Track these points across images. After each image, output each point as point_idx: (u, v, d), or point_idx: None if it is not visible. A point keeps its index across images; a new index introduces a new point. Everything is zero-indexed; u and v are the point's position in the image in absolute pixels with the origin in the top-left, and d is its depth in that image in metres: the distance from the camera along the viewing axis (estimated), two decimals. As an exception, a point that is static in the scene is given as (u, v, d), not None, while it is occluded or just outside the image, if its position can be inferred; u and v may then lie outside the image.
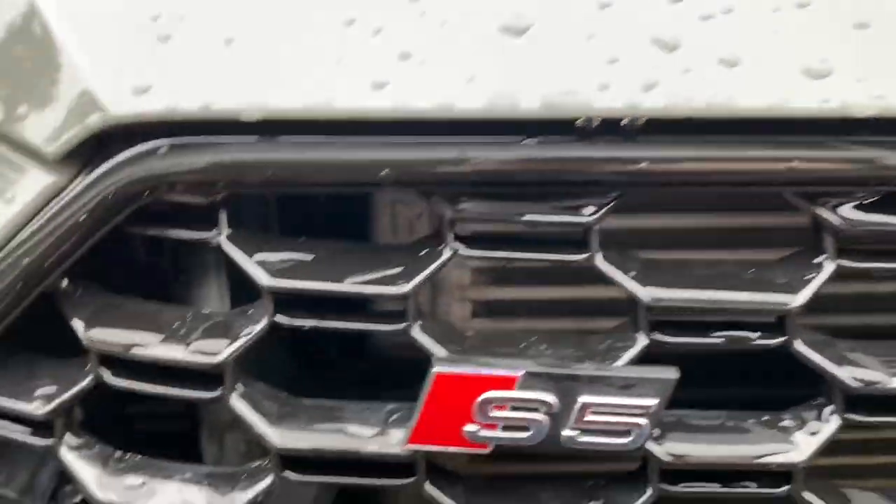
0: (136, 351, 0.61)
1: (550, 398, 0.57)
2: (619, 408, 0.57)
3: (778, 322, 0.61)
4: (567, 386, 0.58)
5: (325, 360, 0.96)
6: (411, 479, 0.61)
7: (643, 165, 0.57)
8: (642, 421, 0.57)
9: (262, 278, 0.60)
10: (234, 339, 0.61)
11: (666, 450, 0.59)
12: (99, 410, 0.76)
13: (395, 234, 0.82)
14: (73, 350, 0.66)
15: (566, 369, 0.57)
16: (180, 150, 0.60)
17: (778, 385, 0.68)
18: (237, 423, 0.65)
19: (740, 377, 0.71)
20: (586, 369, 0.57)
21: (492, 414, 0.58)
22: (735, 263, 0.62)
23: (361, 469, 0.63)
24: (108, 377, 0.63)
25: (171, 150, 0.60)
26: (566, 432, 0.58)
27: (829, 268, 0.60)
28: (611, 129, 0.58)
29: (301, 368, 0.89)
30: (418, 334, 0.61)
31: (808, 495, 0.60)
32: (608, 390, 0.57)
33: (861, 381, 0.59)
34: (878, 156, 0.57)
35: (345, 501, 0.87)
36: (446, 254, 0.61)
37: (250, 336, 0.61)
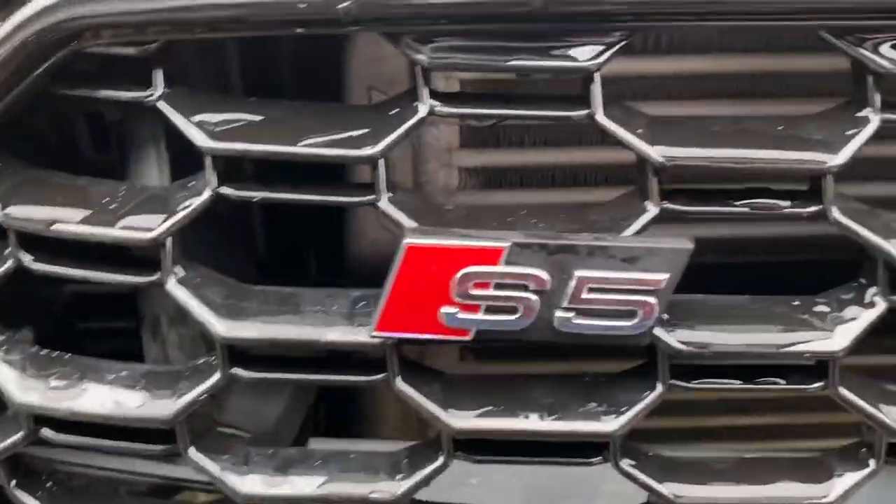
0: (58, 227, 0.52)
1: (542, 273, 0.48)
2: (622, 283, 0.48)
3: (813, 189, 0.52)
4: (561, 259, 0.48)
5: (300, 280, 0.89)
6: (380, 376, 0.52)
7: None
8: (650, 299, 0.48)
9: (202, 140, 0.51)
10: (172, 213, 0.52)
11: (678, 337, 0.50)
12: (46, 328, 0.68)
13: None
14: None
15: (560, 239, 0.49)
16: (102, -11, 0.52)
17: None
18: (179, 316, 0.58)
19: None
20: (583, 238, 0.48)
21: (473, 293, 0.48)
22: (762, 119, 0.53)
23: (325, 364, 0.55)
24: (29, 260, 0.54)
25: (91, -9, 0.52)
26: (560, 314, 0.48)
27: (874, 121, 0.51)
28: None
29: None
30: (387, 207, 0.51)
31: (845, 392, 0.52)
32: (609, 263, 0.48)
33: (911, 254, 0.51)
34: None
35: (327, 424, 0.81)
36: (421, 111, 0.51)
37: (190, 209, 0.52)
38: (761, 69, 0.61)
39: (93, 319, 0.78)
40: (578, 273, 0.48)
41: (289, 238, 0.88)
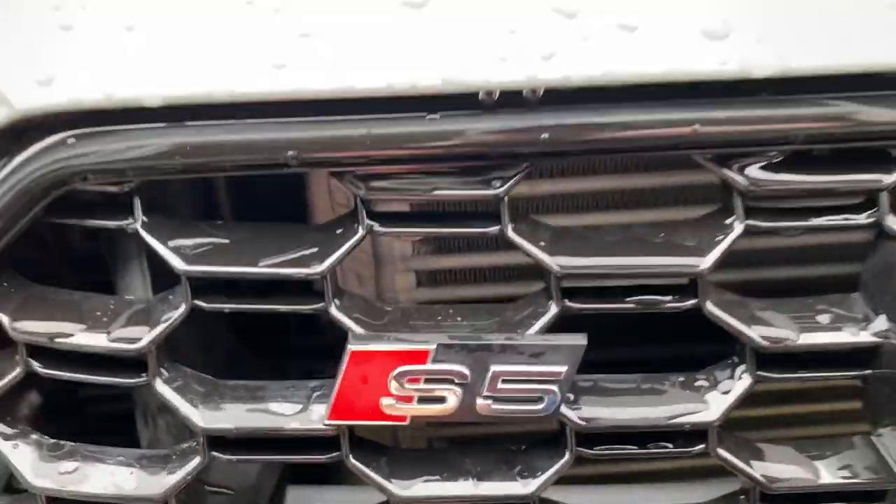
0: (60, 340, 0.62)
1: (463, 369, 0.58)
2: (529, 375, 0.58)
3: (690, 284, 0.62)
4: (478, 356, 0.58)
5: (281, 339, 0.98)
6: (335, 454, 0.62)
7: (545, 136, 0.57)
8: (553, 387, 0.58)
9: (178, 264, 0.61)
10: (155, 325, 0.62)
11: (579, 414, 0.60)
12: (53, 395, 0.77)
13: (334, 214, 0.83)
14: (3, 342, 0.68)
15: (476, 340, 0.58)
16: (87, 139, 0.60)
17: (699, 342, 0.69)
18: (166, 407, 0.67)
19: (661, 336, 0.73)
20: (496, 339, 0.58)
21: (407, 387, 0.59)
22: (645, 228, 0.62)
23: (290, 446, 0.65)
24: (37, 367, 0.64)
25: (78, 140, 0.60)
26: (480, 401, 0.59)
27: (738, 228, 0.60)
28: (513, 100, 0.59)
29: (253, 346, 0.91)
30: (336, 313, 0.62)
31: (722, 452, 0.62)
32: (519, 359, 0.58)
33: (770, 339, 0.60)
34: (780, 115, 0.58)
35: (297, 477, 0.90)
36: (360, 232, 0.61)
37: (170, 322, 0.62)
38: (644, 185, 0.71)
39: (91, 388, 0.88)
40: (494, 367, 0.58)
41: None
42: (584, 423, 0.60)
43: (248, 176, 0.79)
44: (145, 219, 0.62)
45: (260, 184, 0.85)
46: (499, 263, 0.86)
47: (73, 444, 0.65)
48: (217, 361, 0.75)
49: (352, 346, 0.59)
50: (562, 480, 0.63)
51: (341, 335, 0.88)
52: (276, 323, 0.97)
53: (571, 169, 0.79)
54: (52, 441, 0.65)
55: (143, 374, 0.62)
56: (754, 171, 0.60)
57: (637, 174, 0.71)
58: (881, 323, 0.60)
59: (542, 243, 0.61)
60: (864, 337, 0.60)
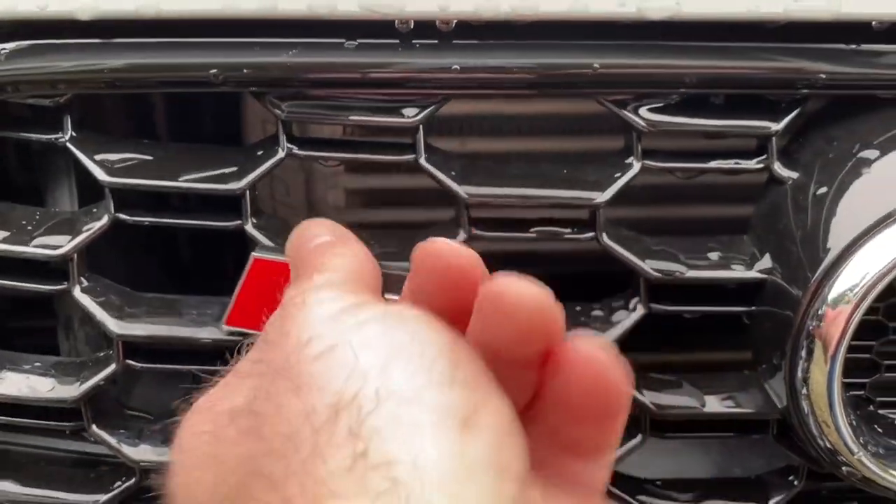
0: (-19, 245, 0.65)
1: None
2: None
3: (590, 219, 0.66)
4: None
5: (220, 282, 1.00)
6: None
7: (455, 69, 0.61)
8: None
9: (101, 175, 0.64)
10: (77, 234, 0.64)
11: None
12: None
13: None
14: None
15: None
16: (21, 52, 0.63)
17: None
18: (86, 318, 0.69)
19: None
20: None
21: (313, 301, 0.62)
22: (550, 163, 0.66)
23: (203, 357, 0.67)
24: (-43, 273, 0.66)
25: (12, 53, 0.63)
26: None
27: (635, 167, 0.64)
28: (428, 32, 0.62)
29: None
30: (251, 230, 0.64)
31: (615, 379, 0.65)
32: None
33: (661, 271, 0.64)
34: (674, 58, 0.62)
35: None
36: (279, 154, 0.64)
37: (92, 231, 0.64)
38: (549, 111, 0.75)
39: (21, 319, 0.89)
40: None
41: (210, 247, 0.99)
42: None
43: (184, 97, 0.84)
44: (74, 133, 0.65)
45: (195, 111, 0.87)
46: (429, 219, 0.90)
47: (-12, 349, 0.67)
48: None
49: (255, 254, 0.62)
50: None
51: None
52: (216, 268, 0.99)
53: (499, 129, 0.83)
54: (-30, 347, 0.68)
55: (64, 282, 0.65)
56: (650, 112, 0.64)
57: (562, 137, 0.74)
58: (766, 261, 0.64)
59: (453, 173, 0.64)
60: (750, 273, 0.64)
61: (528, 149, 0.80)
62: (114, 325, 0.63)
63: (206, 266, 0.99)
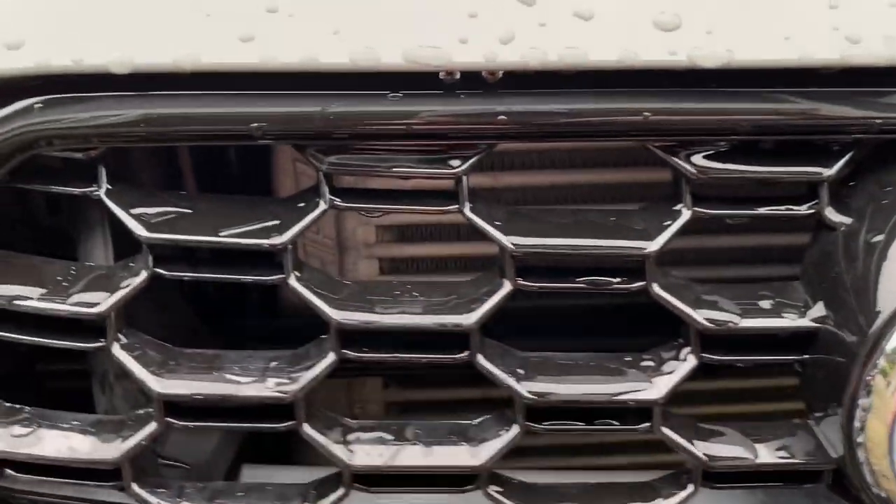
0: (18, 303, 0.63)
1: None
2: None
3: (638, 268, 0.64)
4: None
5: (238, 320, 0.99)
6: (290, 423, 0.63)
7: (503, 117, 0.60)
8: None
9: (140, 231, 0.62)
10: (115, 290, 0.63)
11: (528, 388, 0.62)
12: (8, 370, 0.78)
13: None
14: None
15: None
16: (54, 106, 0.61)
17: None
18: (123, 373, 0.68)
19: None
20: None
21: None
22: (596, 212, 0.64)
23: (245, 414, 0.66)
24: (-6, 330, 0.65)
25: (45, 106, 0.61)
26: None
27: (685, 214, 0.63)
28: (473, 82, 0.61)
29: (212, 327, 0.92)
30: (295, 284, 0.63)
31: (666, 431, 0.63)
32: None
33: (714, 321, 0.62)
34: (726, 105, 0.60)
35: (253, 456, 0.91)
36: (322, 206, 0.63)
37: (130, 288, 0.63)
38: (596, 181, 0.74)
39: (52, 363, 0.88)
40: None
41: (233, 284, 0.98)
42: (532, 396, 0.62)
43: (212, 147, 0.82)
44: (109, 186, 0.64)
45: (224, 164, 0.86)
46: (460, 253, 0.89)
47: (28, 408, 0.66)
48: (176, 340, 0.76)
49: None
50: (515, 453, 0.65)
51: (299, 318, 0.89)
52: (235, 306, 0.98)
53: (531, 162, 0.82)
54: (7, 405, 0.66)
55: (102, 339, 0.64)
56: (701, 159, 0.62)
57: (594, 170, 0.73)
58: (819, 309, 0.63)
59: (498, 223, 0.63)
60: (803, 322, 0.62)
61: (565, 182, 0.79)
62: (155, 384, 0.62)
63: (231, 298, 0.99)
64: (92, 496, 0.74)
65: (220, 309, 1.00)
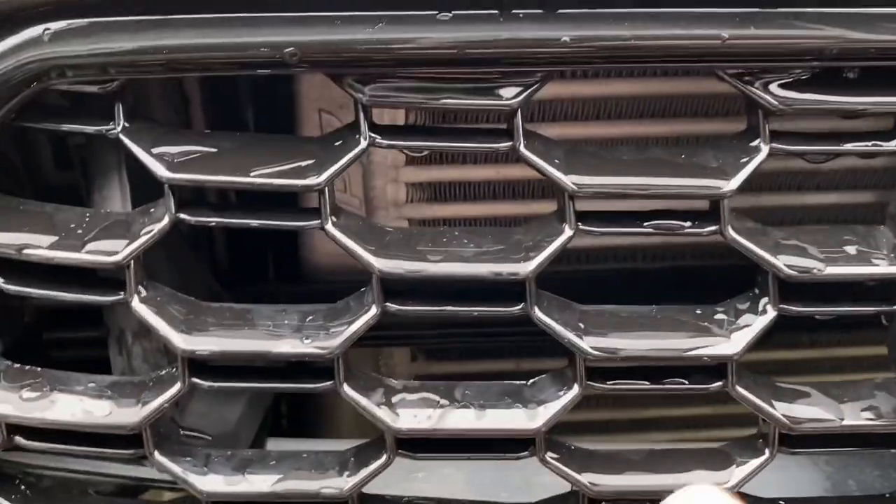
0: (28, 252, 0.57)
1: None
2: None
3: (710, 210, 0.59)
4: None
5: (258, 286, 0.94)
6: (328, 383, 0.57)
7: (566, 39, 0.54)
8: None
9: (162, 171, 0.56)
10: (135, 238, 0.57)
11: (590, 343, 0.56)
12: (13, 339, 0.72)
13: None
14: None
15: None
16: (66, 33, 0.55)
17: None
18: (143, 331, 0.62)
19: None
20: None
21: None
22: (664, 148, 0.59)
23: (277, 374, 0.60)
24: (1, 283, 0.58)
25: (56, 34, 0.55)
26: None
27: (763, 150, 0.57)
28: (531, 1, 0.55)
29: (231, 294, 0.87)
30: (333, 230, 0.57)
31: (741, 390, 0.58)
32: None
33: (796, 268, 0.57)
34: (812, 27, 0.55)
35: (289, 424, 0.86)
36: (362, 144, 0.56)
37: (151, 235, 0.56)
38: (660, 91, 0.68)
39: (60, 330, 0.82)
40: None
41: (249, 246, 0.93)
42: (596, 352, 0.56)
43: (230, 98, 0.76)
44: (127, 124, 0.58)
45: (242, 118, 0.81)
46: (497, 213, 0.83)
47: (39, 369, 0.60)
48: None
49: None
50: (573, 427, 0.60)
51: (324, 283, 0.83)
52: (254, 272, 0.93)
53: (584, 113, 0.76)
54: (16, 366, 0.60)
55: (120, 292, 0.58)
56: (781, 89, 0.57)
57: (655, 80, 0.67)
58: (910, 255, 0.58)
59: (557, 161, 0.57)
60: (893, 268, 0.57)
61: (621, 134, 0.73)
62: (179, 340, 0.56)
63: (246, 263, 0.93)
64: (104, 469, 0.69)
65: (238, 276, 0.95)
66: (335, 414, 0.92)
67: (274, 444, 0.76)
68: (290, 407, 1.01)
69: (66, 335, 0.82)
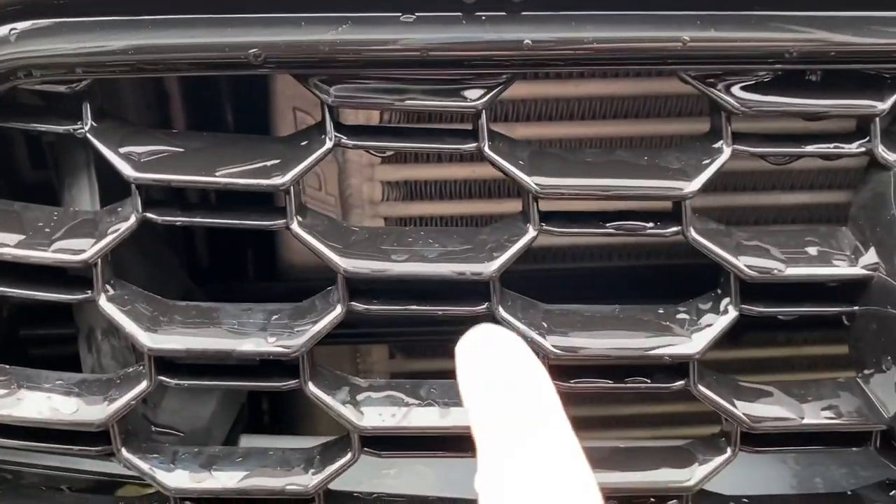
0: (-4, 251, 0.58)
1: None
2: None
3: (673, 211, 0.59)
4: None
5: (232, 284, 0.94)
6: (293, 382, 0.58)
7: (528, 41, 0.54)
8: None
9: (128, 171, 0.56)
10: (101, 237, 0.57)
11: (552, 342, 0.56)
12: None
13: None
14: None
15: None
16: (34, 33, 0.55)
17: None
18: (111, 329, 0.63)
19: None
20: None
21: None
22: (627, 150, 0.59)
23: (244, 372, 0.61)
24: (-33, 282, 0.59)
25: (24, 33, 0.56)
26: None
27: (725, 152, 0.57)
28: (494, 3, 0.55)
29: (205, 291, 0.87)
30: (298, 230, 0.58)
31: (703, 389, 0.58)
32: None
33: (757, 269, 0.57)
34: (771, 31, 0.55)
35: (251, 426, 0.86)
36: (327, 144, 0.57)
37: (118, 233, 0.57)
38: (630, 92, 0.68)
39: (37, 327, 0.83)
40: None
41: (227, 244, 0.93)
42: (557, 350, 0.56)
43: (205, 97, 0.77)
44: (94, 123, 0.58)
45: (219, 116, 0.81)
46: (472, 212, 0.84)
47: (7, 367, 0.60)
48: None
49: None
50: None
51: (299, 282, 0.83)
52: (228, 270, 0.93)
53: (550, 113, 0.77)
54: (-18, 365, 0.61)
55: (88, 291, 0.58)
56: (743, 91, 0.57)
57: (625, 80, 0.67)
58: (871, 256, 0.57)
59: (521, 162, 0.57)
60: (854, 270, 0.57)
61: (587, 134, 0.74)
62: (145, 338, 0.56)
63: (225, 260, 0.93)
64: (78, 465, 0.70)
65: (216, 274, 0.95)
66: (314, 410, 0.93)
67: (247, 441, 0.76)
68: (272, 404, 1.01)
69: (43, 332, 0.82)
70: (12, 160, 0.77)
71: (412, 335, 0.87)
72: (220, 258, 0.92)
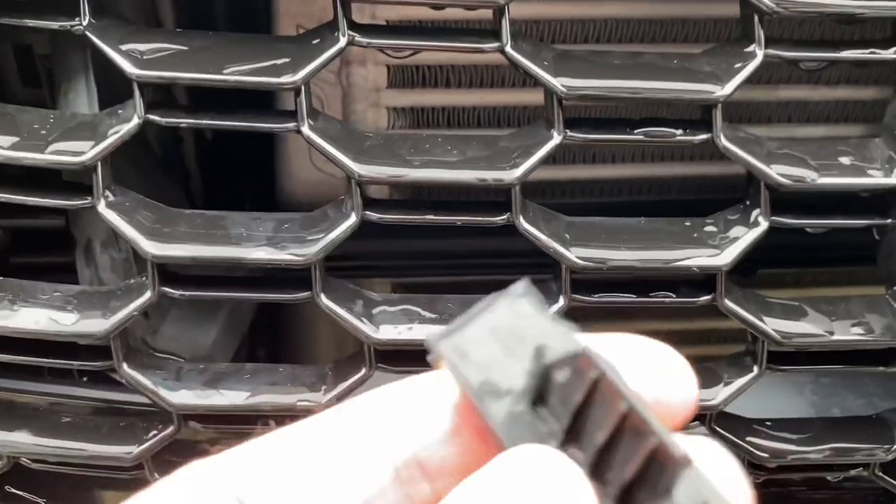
0: (-12, 153, 0.55)
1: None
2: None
3: (702, 119, 0.57)
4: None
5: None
6: (305, 293, 0.55)
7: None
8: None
9: (130, 69, 0.53)
10: (102, 139, 0.54)
11: (577, 254, 0.54)
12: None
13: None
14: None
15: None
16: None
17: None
18: (111, 240, 0.60)
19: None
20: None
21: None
22: (657, 55, 0.57)
23: (252, 284, 0.58)
24: (-42, 186, 0.56)
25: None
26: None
27: (758, 56, 0.55)
28: None
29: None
30: (310, 133, 0.55)
31: (729, 304, 0.56)
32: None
33: (789, 177, 0.55)
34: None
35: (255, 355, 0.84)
36: (341, 41, 0.54)
37: (119, 135, 0.53)
38: (653, 14, 0.65)
39: (29, 255, 0.80)
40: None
41: (225, 175, 0.90)
42: (582, 262, 0.54)
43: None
44: (93, 19, 0.55)
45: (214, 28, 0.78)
46: (477, 104, 0.80)
47: (1, 278, 0.58)
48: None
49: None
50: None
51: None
52: (231, 199, 0.90)
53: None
54: (-26, 275, 0.58)
55: (87, 197, 0.55)
56: (778, -10, 0.55)
57: (647, 2, 0.64)
58: (905, 166, 0.57)
59: (546, 63, 0.55)
60: (889, 180, 0.55)
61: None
62: (149, 246, 0.53)
63: (221, 192, 0.90)
64: (75, 392, 0.67)
65: (213, 206, 0.92)
66: (313, 346, 0.91)
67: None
68: (268, 349, 0.99)
69: (36, 260, 0.79)
70: (2, 76, 0.74)
71: (416, 269, 0.85)
72: (217, 191, 0.89)
